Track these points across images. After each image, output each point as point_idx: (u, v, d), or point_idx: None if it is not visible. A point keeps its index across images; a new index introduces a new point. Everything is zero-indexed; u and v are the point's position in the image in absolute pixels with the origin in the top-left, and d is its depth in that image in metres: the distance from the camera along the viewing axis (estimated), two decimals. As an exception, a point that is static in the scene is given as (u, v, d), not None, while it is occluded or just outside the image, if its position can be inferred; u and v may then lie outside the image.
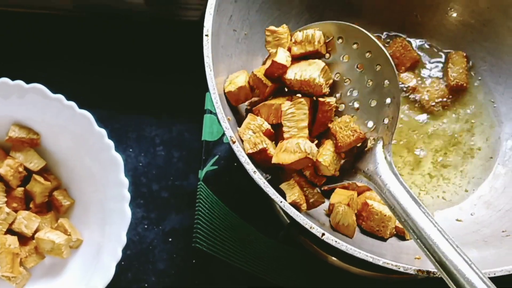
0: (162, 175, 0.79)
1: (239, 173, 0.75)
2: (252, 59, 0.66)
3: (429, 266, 0.52)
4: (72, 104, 0.70)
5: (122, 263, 0.73)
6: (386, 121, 0.56)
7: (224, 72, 0.60)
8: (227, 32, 0.61)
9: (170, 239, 0.75)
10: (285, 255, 0.71)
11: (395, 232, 0.62)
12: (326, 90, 0.58)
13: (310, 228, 0.52)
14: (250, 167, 0.53)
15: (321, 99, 0.58)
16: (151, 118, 0.82)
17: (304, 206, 0.57)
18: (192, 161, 0.78)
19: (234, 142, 0.54)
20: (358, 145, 0.58)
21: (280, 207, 0.53)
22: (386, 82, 0.56)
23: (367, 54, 0.57)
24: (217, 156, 0.75)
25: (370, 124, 0.57)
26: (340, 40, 0.59)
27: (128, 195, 0.68)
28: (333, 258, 0.70)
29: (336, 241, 0.52)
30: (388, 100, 0.56)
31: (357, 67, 0.58)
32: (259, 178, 0.53)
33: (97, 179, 0.70)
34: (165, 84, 0.82)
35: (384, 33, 0.75)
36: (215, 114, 0.60)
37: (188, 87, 0.78)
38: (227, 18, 0.61)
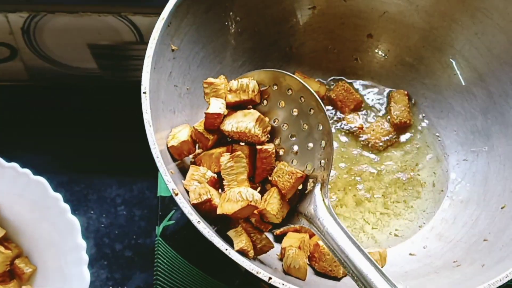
0: (124, 234, 0.79)
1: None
2: (197, 113, 0.67)
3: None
4: (27, 171, 0.71)
5: (89, 326, 0.72)
6: (322, 163, 0.57)
7: (167, 127, 0.61)
8: (168, 87, 0.63)
9: (135, 298, 0.75)
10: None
11: None
12: (264, 138, 0.59)
13: (257, 273, 0.53)
14: (193, 217, 0.54)
15: (259, 146, 0.59)
16: (111, 179, 0.82)
17: (251, 253, 0.57)
18: (154, 218, 0.79)
19: (176, 195, 0.55)
20: (300, 187, 0.59)
21: (226, 255, 0.54)
22: (320, 125, 0.58)
23: (301, 99, 0.59)
24: (173, 211, 0.76)
25: (309, 166, 0.58)
26: (276, 87, 0.61)
27: (86, 258, 0.68)
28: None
29: (283, 284, 0.52)
30: (322, 143, 0.58)
31: (292, 112, 0.60)
32: (203, 228, 0.54)
33: (56, 244, 0.70)
34: (124, 143, 0.83)
35: (330, 78, 0.77)
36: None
37: (147, 145, 0.79)
38: (167, 74, 0.62)
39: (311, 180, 0.58)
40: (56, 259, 0.70)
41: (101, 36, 0.78)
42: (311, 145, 0.59)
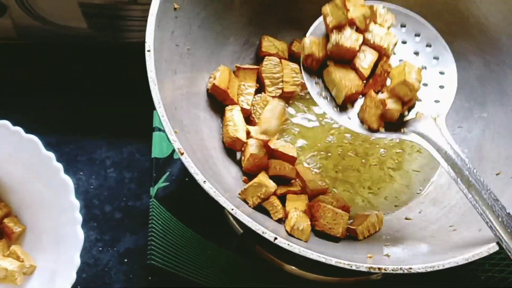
0: (114, 196, 0.79)
1: (191, 188, 0.75)
2: (197, 75, 0.66)
3: (381, 263, 0.53)
4: (19, 129, 0.70)
5: (78, 287, 0.72)
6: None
7: (169, 87, 0.61)
8: (170, 47, 0.62)
9: (125, 260, 0.75)
10: (244, 266, 0.71)
11: (347, 233, 0.63)
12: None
13: (263, 233, 0.53)
14: (199, 177, 0.54)
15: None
16: (101, 140, 0.82)
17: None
18: (145, 181, 0.79)
19: (182, 154, 0.55)
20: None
21: (232, 216, 0.54)
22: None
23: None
24: (167, 173, 0.75)
25: None
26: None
27: (79, 218, 0.68)
28: (290, 266, 0.71)
29: (288, 244, 0.52)
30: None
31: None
32: (210, 188, 0.54)
33: (48, 204, 0.70)
34: (114, 106, 0.82)
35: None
36: (164, 130, 0.60)
37: (137, 108, 0.78)
38: (169, 33, 0.62)
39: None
40: (49, 219, 0.70)
41: (92, -7, 0.76)
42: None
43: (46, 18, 0.80)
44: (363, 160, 0.71)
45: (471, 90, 0.71)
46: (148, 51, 0.58)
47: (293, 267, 0.71)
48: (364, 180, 0.70)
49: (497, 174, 0.64)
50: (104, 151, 0.81)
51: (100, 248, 0.76)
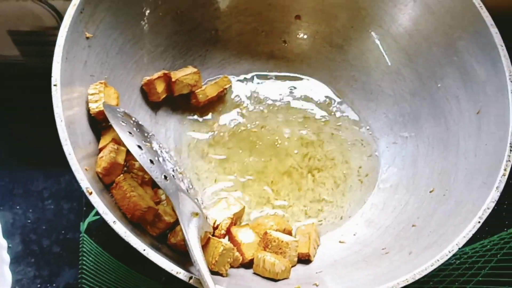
0: (52, 229, 0.76)
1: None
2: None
3: None
4: None
5: (13, 328, 0.70)
6: None
7: (82, 120, 0.58)
8: (83, 78, 0.59)
9: (65, 296, 0.72)
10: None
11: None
12: None
13: (177, 273, 0.51)
14: (108, 217, 0.52)
15: None
16: (37, 171, 0.79)
17: None
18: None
19: (90, 193, 0.52)
20: None
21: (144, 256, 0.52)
22: None
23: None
24: (98, 206, 0.73)
25: None
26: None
27: (7, 257, 0.65)
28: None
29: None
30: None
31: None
32: (119, 229, 0.51)
33: (-25, 244, 0.67)
34: (49, 133, 0.79)
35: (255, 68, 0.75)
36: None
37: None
38: (81, 64, 0.59)
39: None
40: (-25, 259, 0.67)
41: (20, 21, 0.74)
42: None
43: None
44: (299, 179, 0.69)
45: (404, 105, 0.69)
46: (55, 85, 0.55)
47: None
48: (300, 202, 0.68)
49: (430, 192, 0.62)
50: (41, 182, 0.79)
51: (39, 285, 0.73)
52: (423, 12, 0.66)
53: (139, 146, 0.55)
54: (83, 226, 0.71)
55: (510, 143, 0.57)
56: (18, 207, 0.77)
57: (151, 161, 0.55)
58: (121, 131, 0.55)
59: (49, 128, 0.79)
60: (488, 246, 0.67)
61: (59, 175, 0.79)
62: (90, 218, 0.72)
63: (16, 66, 0.81)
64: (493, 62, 0.60)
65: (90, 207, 0.73)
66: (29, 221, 0.76)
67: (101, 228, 0.72)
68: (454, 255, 0.53)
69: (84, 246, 0.70)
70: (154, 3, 0.66)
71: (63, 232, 0.76)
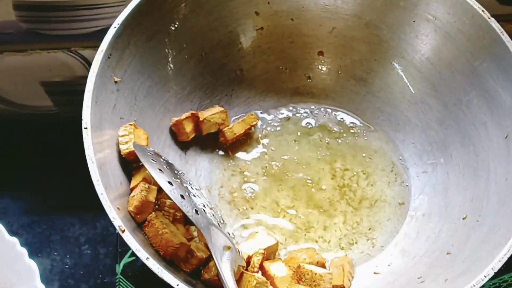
0: (89, 274, 0.77)
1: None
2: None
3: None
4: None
5: None
6: None
7: (113, 161, 0.60)
8: (113, 121, 0.61)
9: None
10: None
11: None
12: None
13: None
14: (141, 254, 0.52)
15: None
16: (73, 217, 0.80)
17: None
18: (120, 255, 0.77)
19: (123, 231, 0.53)
20: None
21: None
22: None
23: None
24: (133, 247, 0.74)
25: None
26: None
27: (44, 301, 0.66)
28: None
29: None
30: None
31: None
32: (153, 265, 0.52)
33: (13, 289, 0.68)
34: (84, 180, 0.81)
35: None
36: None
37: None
38: (110, 107, 0.61)
39: None
40: (15, 305, 0.68)
41: (52, 72, 0.77)
42: None
43: (10, 100, 0.80)
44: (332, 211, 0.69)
45: (432, 133, 0.69)
46: (85, 128, 0.57)
47: None
48: (333, 235, 0.68)
49: (463, 219, 0.62)
50: (77, 228, 0.80)
51: (78, 329, 0.74)
52: (444, 41, 0.67)
53: (169, 182, 0.56)
54: (119, 268, 0.72)
55: (540, 165, 0.57)
56: (55, 253, 0.78)
57: (182, 196, 0.56)
58: (152, 168, 0.56)
59: (83, 175, 0.81)
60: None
61: (95, 221, 0.80)
62: (125, 259, 0.73)
63: (49, 116, 0.83)
64: (517, 86, 0.61)
65: (125, 247, 0.73)
66: (67, 266, 0.77)
67: (136, 269, 0.73)
68: (493, 283, 0.53)
69: (121, 287, 0.70)
70: (179, 46, 0.68)
71: (100, 276, 0.76)
